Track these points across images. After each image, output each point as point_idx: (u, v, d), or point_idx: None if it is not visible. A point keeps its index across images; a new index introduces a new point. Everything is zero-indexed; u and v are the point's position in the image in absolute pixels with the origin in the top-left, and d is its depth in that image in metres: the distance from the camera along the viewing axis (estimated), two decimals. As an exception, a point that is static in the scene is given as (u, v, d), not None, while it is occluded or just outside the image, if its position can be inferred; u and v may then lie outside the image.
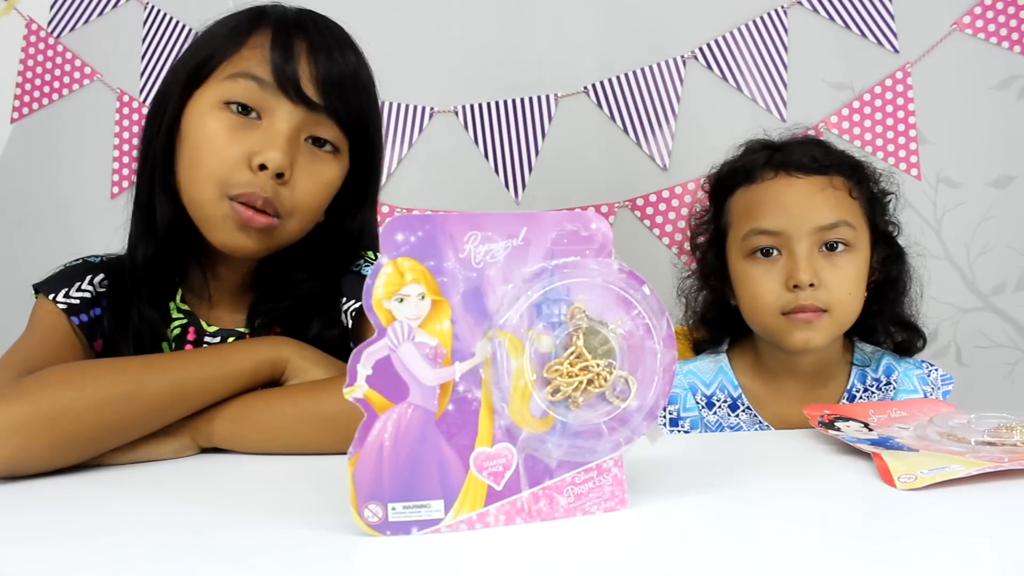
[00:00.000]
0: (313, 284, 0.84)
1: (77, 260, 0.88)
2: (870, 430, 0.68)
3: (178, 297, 0.85)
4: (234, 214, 0.76)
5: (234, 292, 0.86)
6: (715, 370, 1.04)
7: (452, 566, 0.43)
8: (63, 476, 0.64)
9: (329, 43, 0.79)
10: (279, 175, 0.75)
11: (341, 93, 0.78)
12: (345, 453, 0.66)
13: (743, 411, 1.01)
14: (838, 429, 0.68)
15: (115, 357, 0.80)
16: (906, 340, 1.06)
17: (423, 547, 0.45)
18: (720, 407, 1.02)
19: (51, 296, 0.82)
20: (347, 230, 0.86)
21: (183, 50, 0.83)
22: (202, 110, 0.77)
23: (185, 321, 0.85)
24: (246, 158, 0.75)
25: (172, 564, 0.43)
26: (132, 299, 0.82)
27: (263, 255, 0.81)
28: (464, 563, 0.43)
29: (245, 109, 0.76)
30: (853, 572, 0.40)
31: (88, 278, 0.84)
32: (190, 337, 0.84)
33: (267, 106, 0.76)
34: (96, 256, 0.89)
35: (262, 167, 0.75)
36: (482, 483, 0.47)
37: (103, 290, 0.84)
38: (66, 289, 0.82)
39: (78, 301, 0.82)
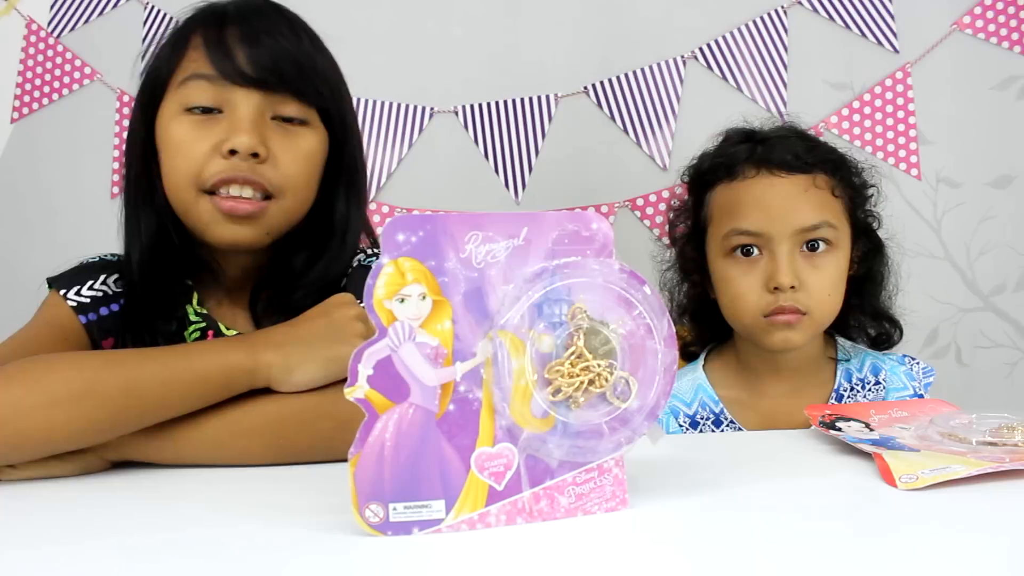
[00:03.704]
0: (316, 271, 0.82)
1: (95, 257, 0.88)
2: (871, 430, 0.68)
3: (195, 300, 0.85)
4: (216, 207, 0.76)
5: (250, 290, 0.85)
6: (693, 388, 1.03)
7: (453, 566, 0.43)
8: (61, 477, 0.64)
9: (257, 28, 0.79)
10: (254, 155, 0.76)
11: (286, 69, 0.79)
12: (278, 465, 0.65)
13: (727, 426, 1.01)
14: (839, 429, 0.68)
15: (82, 351, 0.78)
16: (884, 333, 1.06)
17: (424, 547, 0.45)
18: (705, 425, 1.02)
19: (62, 292, 0.82)
20: (339, 225, 0.85)
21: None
22: (165, 122, 0.79)
23: (204, 325, 0.84)
24: (215, 148, 0.76)
25: (172, 564, 0.43)
26: (144, 309, 0.82)
27: (267, 243, 0.81)
28: (465, 563, 0.43)
29: (206, 109, 0.78)
30: (854, 572, 0.40)
31: (103, 277, 0.84)
32: None
33: (223, 98, 0.77)
34: (115, 255, 0.88)
35: (232, 152, 0.76)
36: (483, 483, 0.47)
37: (120, 290, 0.84)
38: (78, 287, 0.82)
39: (88, 300, 0.82)
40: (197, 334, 0.84)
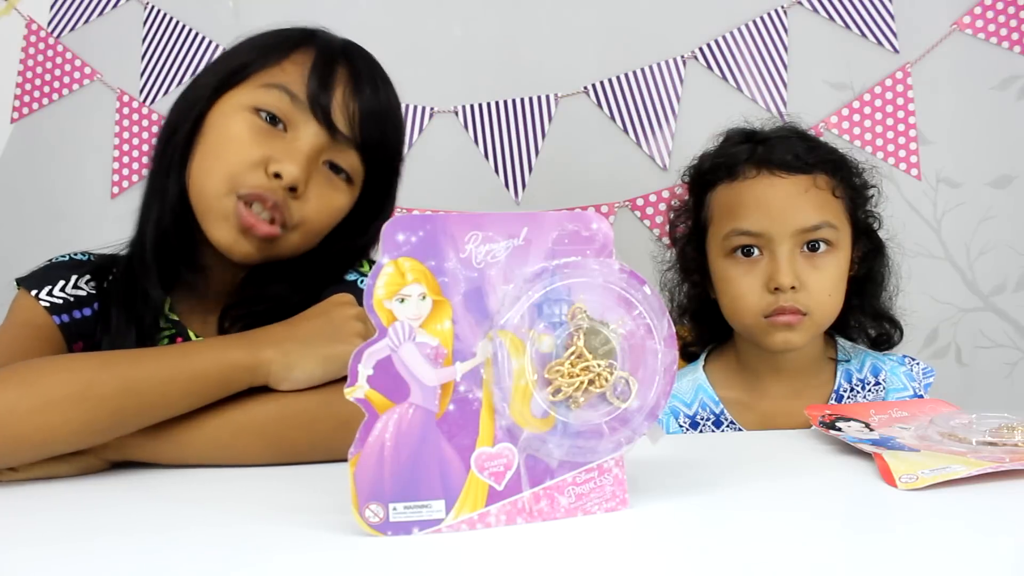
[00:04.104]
0: (289, 304, 0.79)
1: (63, 256, 0.87)
2: (871, 430, 0.68)
3: (166, 307, 0.84)
4: (237, 215, 0.76)
5: (223, 302, 0.83)
6: (694, 388, 1.03)
7: (453, 566, 0.43)
8: (61, 478, 0.64)
9: (373, 76, 0.81)
10: (292, 188, 0.76)
11: (371, 128, 0.80)
12: (278, 465, 0.65)
13: (727, 427, 1.01)
14: (839, 429, 0.68)
15: (77, 354, 0.76)
16: (884, 333, 1.06)
17: (424, 547, 0.45)
18: (705, 426, 1.02)
19: (33, 292, 0.81)
20: (341, 253, 0.85)
21: (222, 52, 0.84)
22: (230, 110, 0.78)
23: (173, 331, 0.83)
24: (263, 163, 0.76)
25: (172, 564, 0.43)
26: (137, 282, 0.80)
27: (257, 262, 0.80)
28: (465, 563, 0.43)
29: (273, 119, 0.77)
30: (854, 572, 0.40)
31: (74, 278, 0.83)
32: None
33: (295, 121, 0.77)
34: (84, 253, 0.87)
35: (277, 176, 0.75)
36: (483, 483, 0.47)
37: (93, 292, 0.83)
38: (49, 287, 0.81)
39: (61, 301, 0.81)
40: (166, 340, 0.83)
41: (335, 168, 0.80)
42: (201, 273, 0.83)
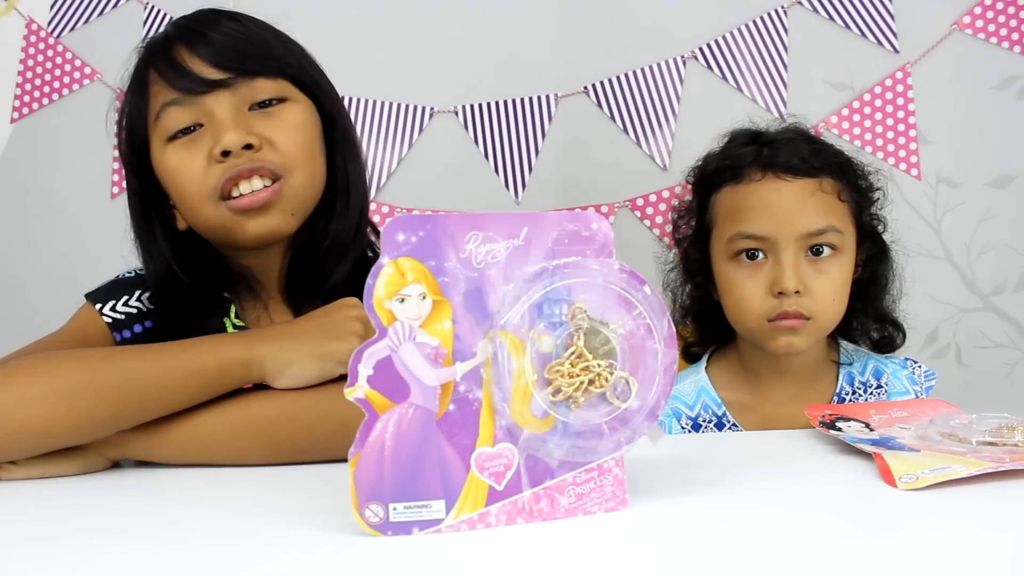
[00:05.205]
0: (329, 235, 0.82)
1: (130, 272, 0.88)
2: (871, 430, 0.68)
3: (232, 313, 0.84)
4: (236, 210, 0.77)
5: (285, 300, 0.84)
6: (696, 390, 1.03)
7: (453, 566, 0.43)
8: (62, 477, 0.64)
9: (200, 31, 0.80)
10: (248, 147, 0.76)
11: (243, 54, 0.79)
12: (276, 465, 0.66)
13: (729, 429, 1.01)
14: (839, 429, 0.68)
15: (85, 348, 0.77)
16: (887, 336, 1.06)
17: (424, 547, 0.45)
18: (707, 428, 1.01)
19: (98, 306, 0.82)
20: (341, 183, 0.85)
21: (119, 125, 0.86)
22: (158, 157, 0.79)
23: None
24: (209, 157, 0.76)
25: (172, 563, 0.43)
26: (184, 322, 0.81)
27: (296, 226, 0.80)
28: (465, 563, 0.43)
29: (186, 131, 0.78)
30: (854, 571, 0.40)
31: (136, 293, 0.84)
32: None
33: (197, 113, 0.78)
34: None
35: (225, 153, 0.76)
36: (483, 483, 0.47)
37: (151, 307, 0.84)
38: (113, 302, 0.83)
39: (123, 316, 0.82)
40: None
41: (265, 105, 0.79)
42: (233, 291, 0.84)
